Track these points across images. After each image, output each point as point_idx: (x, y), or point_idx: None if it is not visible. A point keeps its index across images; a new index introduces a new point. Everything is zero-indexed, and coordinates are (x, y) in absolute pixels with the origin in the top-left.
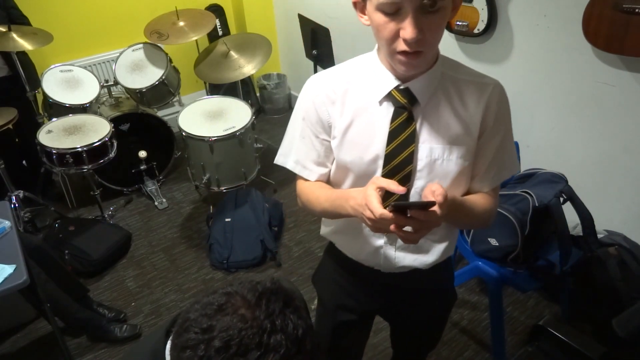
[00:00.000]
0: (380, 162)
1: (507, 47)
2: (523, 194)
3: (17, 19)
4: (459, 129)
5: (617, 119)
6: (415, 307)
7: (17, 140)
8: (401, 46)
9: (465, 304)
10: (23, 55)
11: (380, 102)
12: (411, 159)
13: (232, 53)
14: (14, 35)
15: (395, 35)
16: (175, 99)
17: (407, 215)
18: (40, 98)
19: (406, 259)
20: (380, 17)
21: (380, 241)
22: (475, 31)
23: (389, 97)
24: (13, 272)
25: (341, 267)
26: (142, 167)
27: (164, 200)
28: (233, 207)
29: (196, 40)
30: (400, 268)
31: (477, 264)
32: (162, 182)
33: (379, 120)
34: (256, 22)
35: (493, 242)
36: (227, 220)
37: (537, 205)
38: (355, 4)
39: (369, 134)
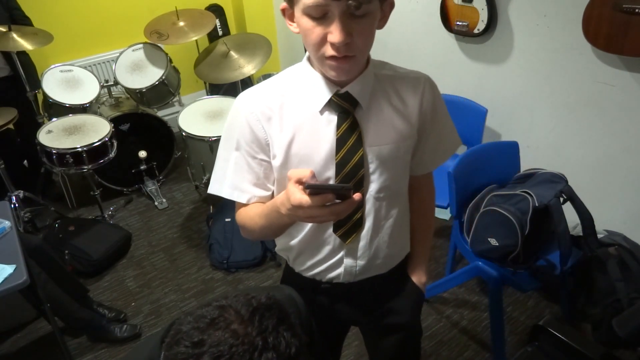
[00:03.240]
0: (332, 172)
1: (507, 47)
2: (523, 194)
3: (20, 20)
4: (402, 126)
5: (616, 119)
6: (383, 311)
7: (17, 140)
8: (329, 51)
9: (465, 304)
10: (24, 55)
11: (322, 112)
12: (362, 163)
13: (232, 53)
14: (14, 35)
15: (323, 40)
16: (175, 99)
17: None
18: (40, 98)
19: (367, 263)
20: (307, 22)
21: (339, 254)
22: (475, 31)
23: (330, 104)
24: (13, 272)
25: (301, 289)
26: (142, 167)
27: (164, 200)
28: (233, 207)
29: (196, 40)
30: (361, 273)
31: (477, 264)
32: (162, 182)
33: (323, 129)
34: (256, 22)
35: (493, 242)
36: (227, 220)
37: (537, 205)
38: (283, 11)
39: (314, 145)
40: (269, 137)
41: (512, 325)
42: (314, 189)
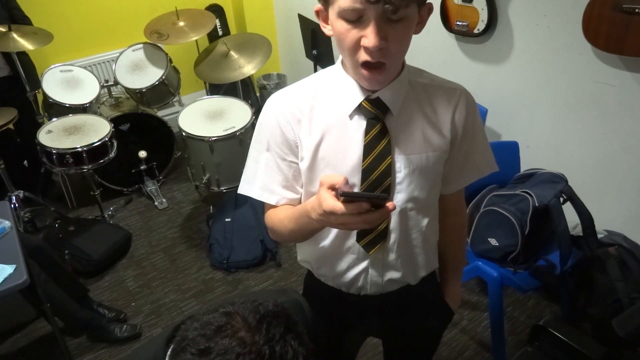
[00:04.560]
0: (358, 178)
1: (507, 47)
2: (523, 194)
3: (19, 20)
4: (433, 136)
5: (617, 119)
6: (409, 325)
7: (17, 140)
8: (363, 56)
9: (465, 304)
10: (24, 55)
11: (351, 116)
12: (389, 171)
13: (232, 53)
14: (14, 35)
15: (357, 45)
16: (175, 99)
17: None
18: (40, 98)
19: (393, 275)
20: (342, 25)
21: (364, 263)
22: (475, 31)
23: (360, 109)
24: (13, 272)
25: (325, 299)
26: (142, 167)
27: (164, 200)
28: (233, 207)
29: (196, 40)
30: (387, 285)
31: (477, 264)
32: (162, 182)
33: (351, 134)
34: (256, 22)
35: (493, 242)
36: (227, 220)
37: (537, 205)
38: (317, 13)
39: (342, 149)
40: (298, 139)
41: (512, 325)
42: (348, 196)
